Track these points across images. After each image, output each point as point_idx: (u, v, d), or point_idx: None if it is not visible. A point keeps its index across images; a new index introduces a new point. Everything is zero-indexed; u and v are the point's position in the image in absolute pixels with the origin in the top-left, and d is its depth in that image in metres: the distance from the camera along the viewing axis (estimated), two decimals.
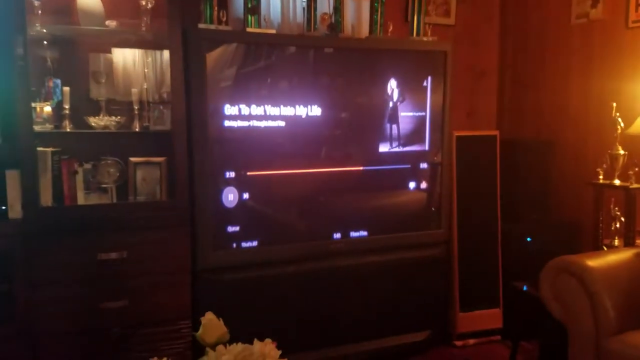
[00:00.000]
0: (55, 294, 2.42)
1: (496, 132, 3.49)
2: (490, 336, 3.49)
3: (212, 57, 2.67)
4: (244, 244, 2.83)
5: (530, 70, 3.75)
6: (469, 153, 3.41)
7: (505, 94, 3.94)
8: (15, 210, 2.40)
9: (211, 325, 1.45)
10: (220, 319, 1.49)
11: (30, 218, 2.39)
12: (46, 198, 2.44)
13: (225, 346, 1.40)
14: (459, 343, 3.43)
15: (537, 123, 3.71)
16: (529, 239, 3.38)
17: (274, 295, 2.87)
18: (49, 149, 2.44)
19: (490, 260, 3.46)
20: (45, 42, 2.52)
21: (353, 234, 3.08)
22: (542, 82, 3.67)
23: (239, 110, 2.77)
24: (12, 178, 2.39)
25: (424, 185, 3.26)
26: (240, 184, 2.80)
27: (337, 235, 3.05)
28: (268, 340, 1.42)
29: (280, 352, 1.43)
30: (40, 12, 2.47)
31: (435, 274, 3.28)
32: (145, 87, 2.65)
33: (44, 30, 2.49)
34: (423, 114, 3.21)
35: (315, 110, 2.94)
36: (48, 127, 2.47)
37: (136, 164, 2.61)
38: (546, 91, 3.65)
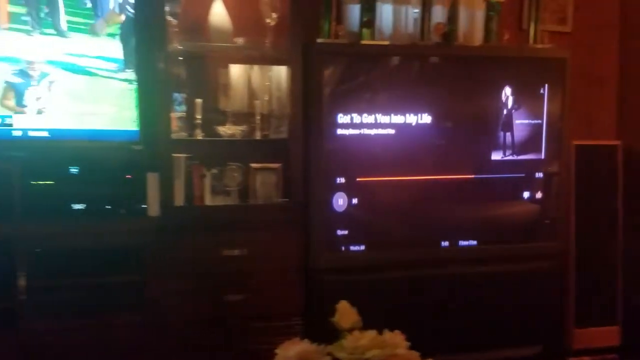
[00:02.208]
0: (183, 285, 2.64)
1: (617, 142, 3.32)
2: (606, 354, 3.32)
3: (329, 69, 2.82)
4: (352, 247, 2.92)
5: None
6: (588, 163, 3.28)
7: (627, 102, 3.71)
8: (153, 208, 2.65)
9: (346, 311, 1.52)
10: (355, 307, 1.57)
11: (166, 216, 2.65)
12: (179, 198, 2.69)
13: None
14: None
15: None
16: None
17: (380, 299, 2.93)
18: (182, 155, 2.70)
19: (608, 275, 3.30)
20: (180, 58, 2.80)
21: (462, 242, 3.08)
22: None
23: (351, 119, 2.87)
24: (152, 180, 2.65)
25: (538, 195, 3.18)
26: (350, 190, 2.89)
27: (445, 243, 3.06)
28: (398, 332, 1.48)
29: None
30: (176, 30, 2.73)
31: (549, 287, 3.19)
32: (266, 99, 2.86)
33: (180, 47, 2.76)
34: (539, 121, 3.14)
35: (426, 118, 2.98)
36: (182, 135, 2.74)
37: (256, 169, 2.81)
38: None
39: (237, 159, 2.80)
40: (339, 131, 2.87)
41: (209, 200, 2.75)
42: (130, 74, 2.68)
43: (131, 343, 2.57)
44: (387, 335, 1.46)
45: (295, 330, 2.77)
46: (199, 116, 2.73)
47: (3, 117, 2.55)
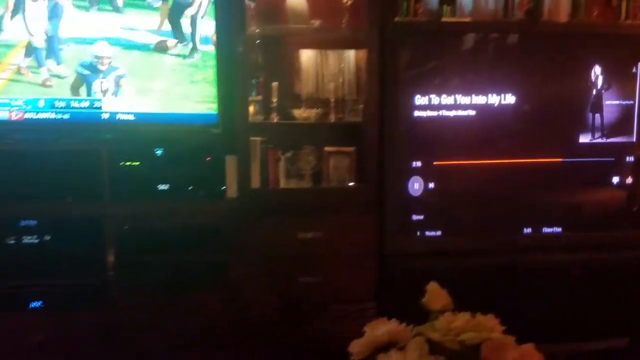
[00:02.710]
0: (260, 266, 2.70)
1: None
2: None
3: (407, 48, 2.76)
4: (427, 233, 2.88)
5: None
6: None
7: None
8: (231, 190, 2.72)
9: (436, 293, 1.49)
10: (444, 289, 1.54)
11: (243, 198, 2.71)
12: (255, 181, 2.75)
13: None
14: None
15: None
16: None
17: (456, 287, 2.85)
18: (258, 139, 2.75)
19: None
20: (257, 42, 2.83)
21: (546, 229, 2.95)
22: None
23: (429, 100, 2.80)
24: (231, 162, 2.71)
25: (628, 180, 2.98)
26: (426, 174, 2.84)
27: (528, 230, 2.94)
28: (491, 315, 1.43)
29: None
30: (254, 13, 2.75)
31: (637, 277, 3.00)
32: (340, 81, 2.83)
33: (257, 30, 2.77)
34: (631, 102, 2.93)
35: (509, 99, 2.85)
36: (259, 118, 2.78)
37: (330, 152, 2.81)
38: None
39: (311, 142, 2.81)
40: (417, 113, 2.80)
41: (283, 183, 2.78)
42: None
43: (213, 322, 2.67)
44: (481, 318, 1.41)
45: (369, 315, 2.78)
46: (274, 99, 2.76)
47: (92, 100, 2.69)
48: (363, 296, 2.80)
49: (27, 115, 2.61)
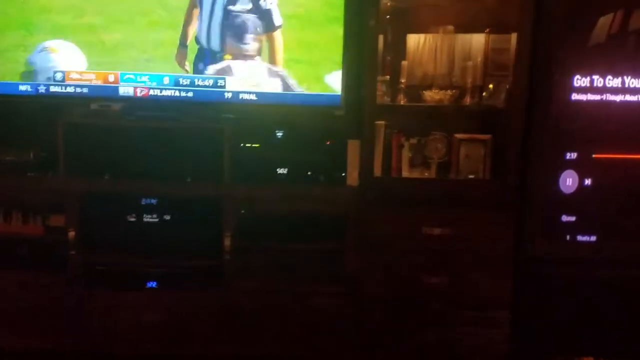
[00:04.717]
0: (380, 260, 2.53)
1: None
2: None
3: (564, 20, 2.37)
4: (579, 237, 2.51)
5: None
6: None
7: None
8: (352, 177, 2.56)
9: None
10: None
11: (364, 186, 2.54)
12: (377, 168, 2.56)
13: None
14: None
15: None
16: None
17: (612, 301, 2.46)
18: (383, 122, 2.54)
19: None
20: (387, 17, 2.57)
21: None
22: None
23: (591, 81, 2.43)
24: (353, 147, 2.55)
25: None
26: (583, 168, 2.48)
27: None
28: None
29: None
30: None
31: None
32: (479, 60, 2.49)
33: (389, 3, 2.54)
34: None
35: None
36: (385, 100, 2.55)
37: (461, 140, 2.54)
38: None
39: (439, 128, 2.56)
40: (575, 96, 2.44)
41: (406, 172, 2.57)
42: None
43: (326, 313, 2.57)
44: None
45: (501, 324, 2.52)
46: (403, 80, 2.52)
47: (216, 78, 2.63)
48: (495, 304, 2.53)
49: (152, 93, 2.63)
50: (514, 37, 2.45)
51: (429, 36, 2.58)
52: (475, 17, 2.57)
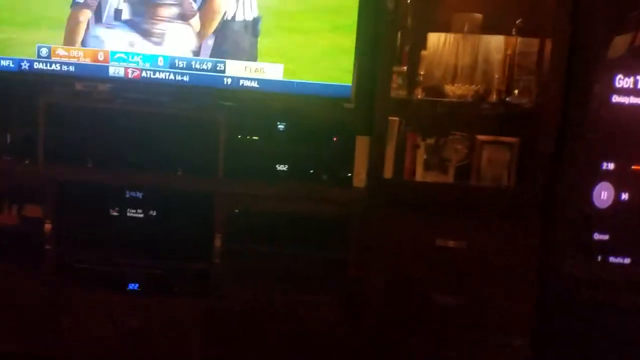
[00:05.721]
0: (387, 271, 2.30)
1: None
2: None
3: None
4: (612, 259, 2.27)
5: None
6: None
7: None
8: (360, 178, 2.35)
9: None
10: None
11: (373, 188, 2.31)
12: (388, 169, 2.33)
13: None
14: None
15: None
16: None
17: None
18: (396, 119, 2.30)
19: None
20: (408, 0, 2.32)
21: None
22: None
23: (635, 82, 2.18)
24: (362, 145, 2.34)
25: None
26: (620, 180, 2.23)
27: None
28: None
29: None
30: None
31: None
32: (508, 53, 2.24)
33: None
34: None
35: None
36: (401, 93, 2.31)
37: (484, 142, 2.31)
38: None
39: (460, 128, 2.33)
40: (615, 98, 2.20)
41: (420, 175, 2.34)
42: None
43: (323, 325, 2.37)
44: None
45: (518, 352, 2.26)
46: (422, 72, 2.28)
47: (215, 62, 2.39)
48: (513, 328, 2.29)
49: (144, 74, 2.40)
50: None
51: (450, 35, 2.33)
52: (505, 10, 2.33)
